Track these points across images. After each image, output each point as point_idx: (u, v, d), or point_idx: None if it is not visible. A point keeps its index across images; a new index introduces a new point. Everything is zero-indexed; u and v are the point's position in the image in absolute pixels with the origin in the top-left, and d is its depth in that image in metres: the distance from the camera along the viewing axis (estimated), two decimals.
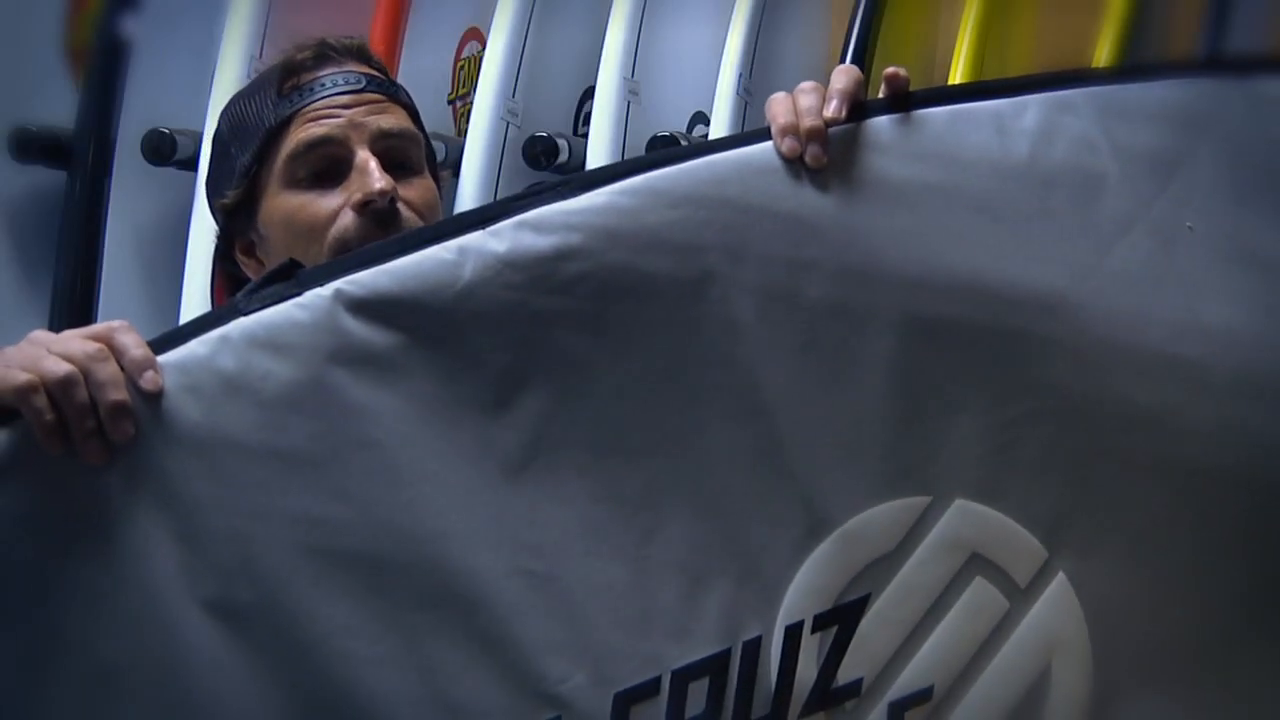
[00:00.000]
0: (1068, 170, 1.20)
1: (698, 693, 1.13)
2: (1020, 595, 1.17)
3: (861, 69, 2.09)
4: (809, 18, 2.31)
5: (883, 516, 1.16)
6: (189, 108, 2.16)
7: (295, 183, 1.47)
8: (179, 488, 1.09)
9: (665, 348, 1.15)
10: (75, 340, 1.12)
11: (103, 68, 2.15)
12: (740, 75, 2.14)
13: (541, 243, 1.14)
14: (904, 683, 1.15)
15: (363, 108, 1.48)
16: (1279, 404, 1.21)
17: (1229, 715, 1.22)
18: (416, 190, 1.47)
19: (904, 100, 1.21)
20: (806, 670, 1.14)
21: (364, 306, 1.12)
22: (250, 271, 1.50)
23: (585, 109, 2.21)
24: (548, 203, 1.16)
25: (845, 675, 1.15)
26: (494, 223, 1.15)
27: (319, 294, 1.13)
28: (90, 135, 2.14)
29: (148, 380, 1.11)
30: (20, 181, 2.19)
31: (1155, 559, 1.20)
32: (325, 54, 1.53)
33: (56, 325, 2.16)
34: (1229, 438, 1.20)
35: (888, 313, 1.17)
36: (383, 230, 1.42)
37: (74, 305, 2.11)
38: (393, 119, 1.49)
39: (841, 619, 1.15)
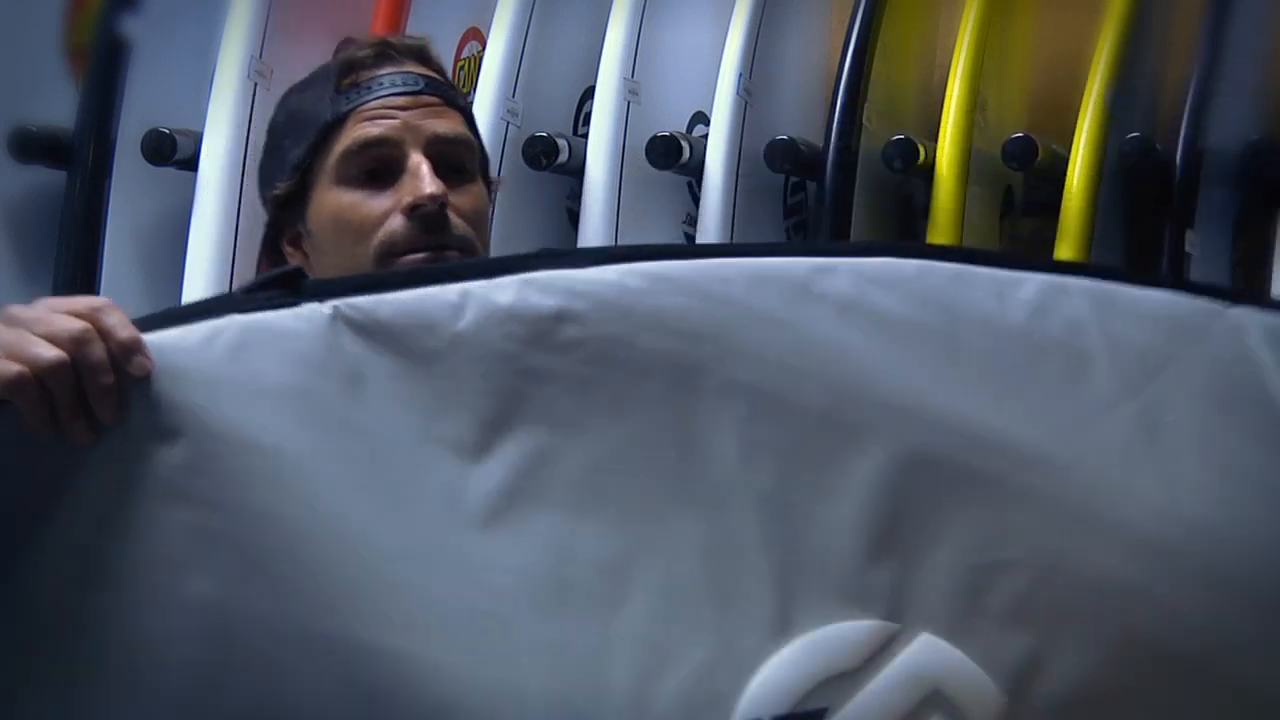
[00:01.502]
0: (1060, 344, 1.24)
1: None
2: None
3: (861, 69, 2.11)
4: (809, 18, 2.31)
5: (849, 633, 1.17)
6: (189, 108, 2.16)
7: (347, 181, 1.47)
8: (160, 472, 1.09)
9: (652, 426, 1.16)
10: (60, 318, 1.09)
11: (103, 68, 2.15)
12: (740, 75, 2.14)
13: (545, 302, 1.15)
14: None
15: (419, 110, 1.48)
16: (1246, 603, 1.23)
17: None
18: (467, 198, 1.47)
19: (910, 250, 1.25)
20: None
21: (360, 329, 1.13)
22: (295, 263, 1.50)
23: (585, 109, 2.21)
24: (554, 268, 1.17)
25: None
26: (498, 276, 1.16)
27: (317, 309, 1.13)
28: (90, 135, 2.14)
29: (136, 365, 1.09)
30: (20, 181, 2.19)
31: None
32: (385, 53, 1.53)
33: None
34: (1195, 625, 1.22)
35: (877, 435, 1.18)
36: (430, 235, 1.42)
37: None
38: (448, 124, 1.49)
39: None
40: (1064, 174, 2.06)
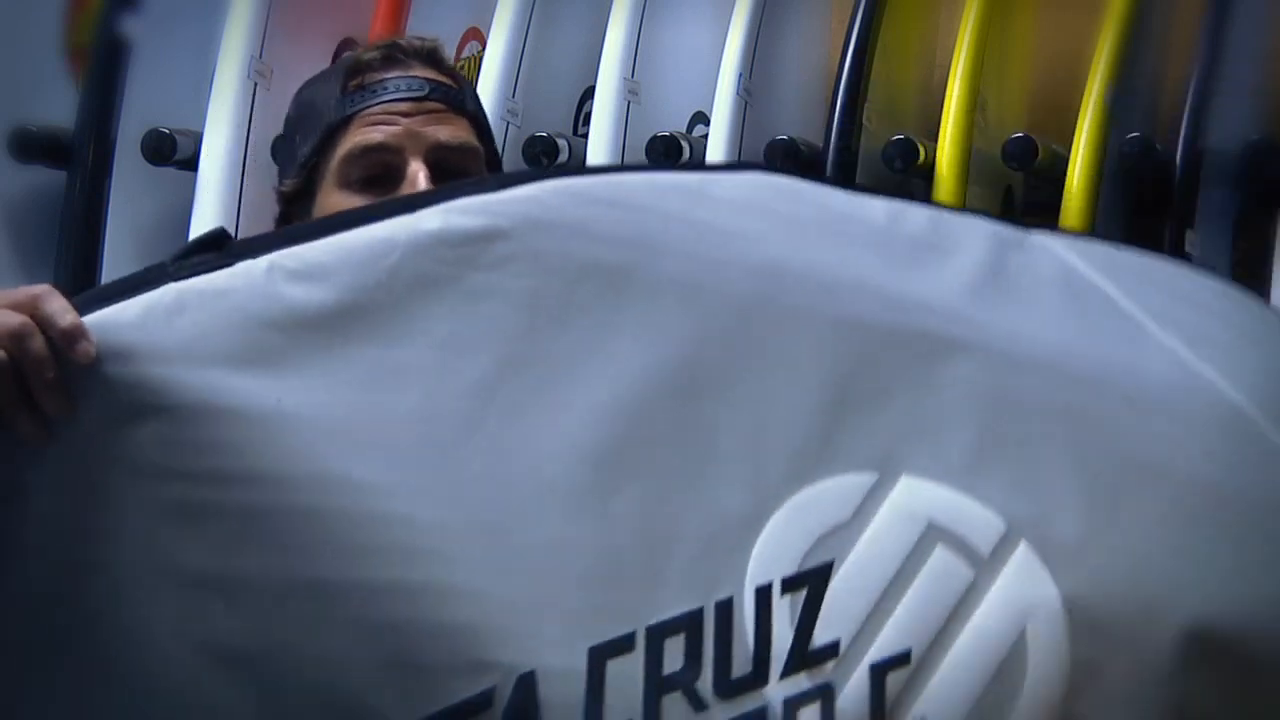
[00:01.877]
0: (918, 239, 1.32)
1: (674, 649, 1.13)
2: (984, 564, 1.20)
3: (861, 69, 2.11)
4: (809, 18, 2.31)
5: (833, 489, 1.19)
6: (189, 108, 2.16)
7: (347, 184, 1.47)
8: (131, 455, 1.09)
9: (600, 330, 1.19)
10: None
11: (103, 68, 2.15)
12: (740, 75, 2.14)
13: (470, 223, 1.19)
14: (882, 645, 1.17)
15: (422, 116, 1.48)
16: (1166, 416, 1.28)
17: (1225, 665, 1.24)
18: None
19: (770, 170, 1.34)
20: (782, 631, 1.15)
21: (299, 275, 1.14)
22: None
23: (585, 109, 2.22)
24: (469, 194, 1.21)
25: (821, 637, 1.16)
26: (420, 209, 1.19)
27: (252, 265, 1.14)
28: (90, 135, 2.14)
29: (80, 352, 1.07)
30: (20, 181, 2.19)
31: (1111, 533, 1.23)
32: (393, 55, 1.52)
33: None
34: (1132, 438, 1.27)
35: (805, 308, 1.23)
36: None
37: None
38: (451, 130, 1.49)
39: (809, 582, 1.17)
40: (1064, 174, 2.06)
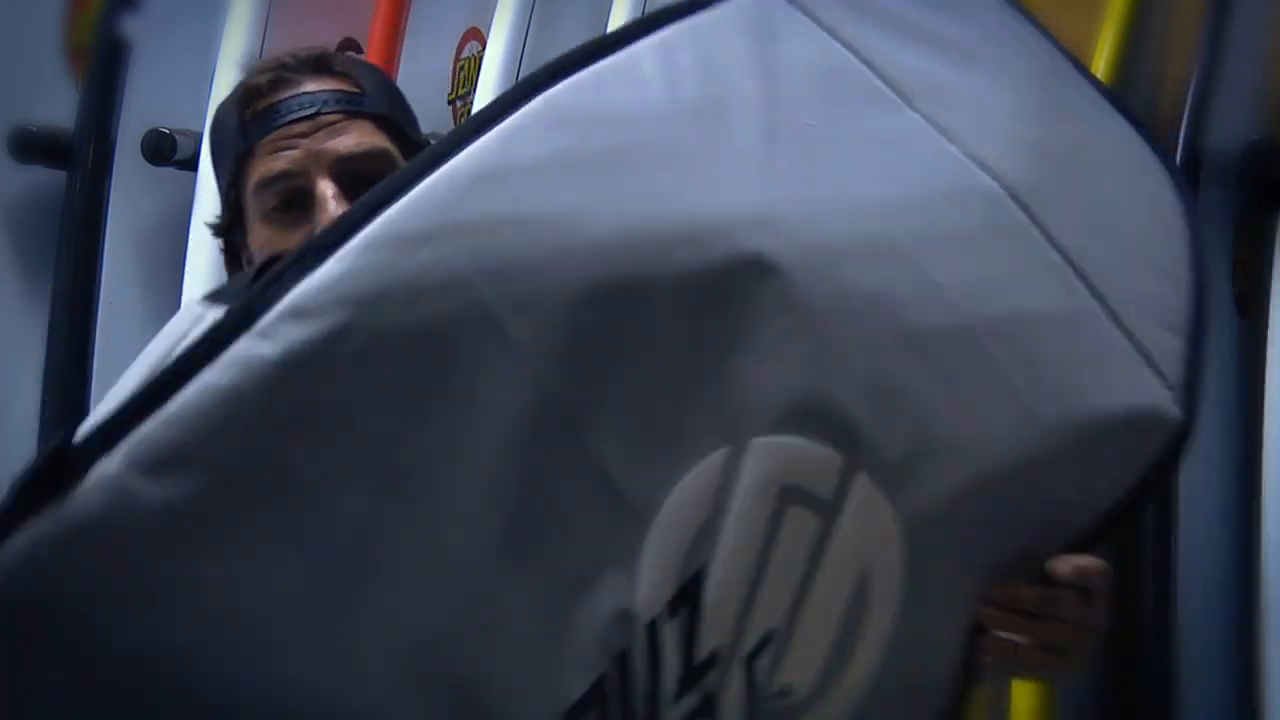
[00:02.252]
0: (700, 104, 1.20)
1: None
2: (829, 507, 1.16)
3: None
4: None
5: (692, 485, 1.14)
6: (189, 108, 2.16)
7: (266, 216, 1.44)
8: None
9: (457, 403, 1.10)
10: None
11: (103, 68, 2.16)
12: None
13: (312, 332, 1.07)
14: (751, 636, 1.15)
15: (320, 133, 1.45)
16: (939, 246, 1.22)
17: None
18: None
19: (540, 81, 1.19)
20: (672, 658, 1.14)
21: (159, 468, 1.05)
22: None
23: None
24: (302, 277, 1.08)
25: (702, 651, 1.14)
26: (259, 319, 1.07)
27: (105, 471, 1.04)
28: (90, 135, 2.14)
29: None
30: (20, 181, 2.19)
31: (936, 433, 1.18)
32: (280, 76, 1.48)
33: (56, 325, 2.16)
34: (927, 299, 1.20)
35: (635, 285, 1.13)
36: None
37: (74, 305, 2.12)
38: (353, 139, 1.46)
39: (688, 598, 1.14)
40: None
